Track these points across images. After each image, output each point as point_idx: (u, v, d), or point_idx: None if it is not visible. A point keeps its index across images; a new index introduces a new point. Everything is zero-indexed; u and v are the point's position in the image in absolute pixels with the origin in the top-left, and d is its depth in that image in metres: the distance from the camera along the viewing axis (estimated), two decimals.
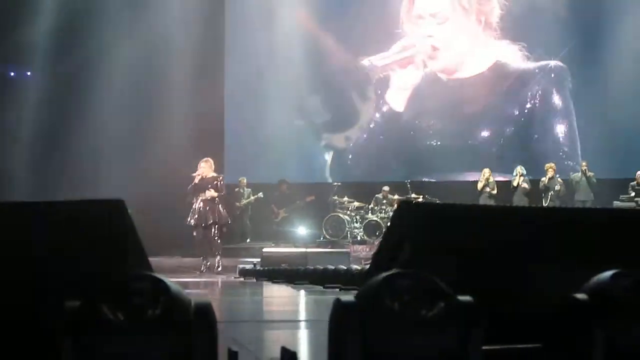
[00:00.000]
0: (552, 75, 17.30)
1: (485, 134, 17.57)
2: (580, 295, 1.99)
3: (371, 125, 18.05)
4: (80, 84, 16.20)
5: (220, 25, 18.00)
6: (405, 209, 2.32)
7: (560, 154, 17.00)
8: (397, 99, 17.88)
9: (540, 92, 17.32)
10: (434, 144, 17.63)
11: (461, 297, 1.89)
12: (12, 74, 17.10)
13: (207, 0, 17.49)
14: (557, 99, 17.37)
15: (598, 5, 17.24)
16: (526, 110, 17.38)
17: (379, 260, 2.32)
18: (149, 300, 1.90)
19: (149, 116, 16.24)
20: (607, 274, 1.99)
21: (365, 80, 18.08)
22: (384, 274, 1.92)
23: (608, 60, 16.66)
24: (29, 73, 16.99)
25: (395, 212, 2.21)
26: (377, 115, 18.05)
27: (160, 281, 1.99)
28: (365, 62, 17.91)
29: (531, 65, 17.39)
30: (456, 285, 1.90)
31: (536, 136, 17.31)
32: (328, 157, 18.20)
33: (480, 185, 15.34)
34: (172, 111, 16.16)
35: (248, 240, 16.56)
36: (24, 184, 14.76)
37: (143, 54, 16.00)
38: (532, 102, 17.38)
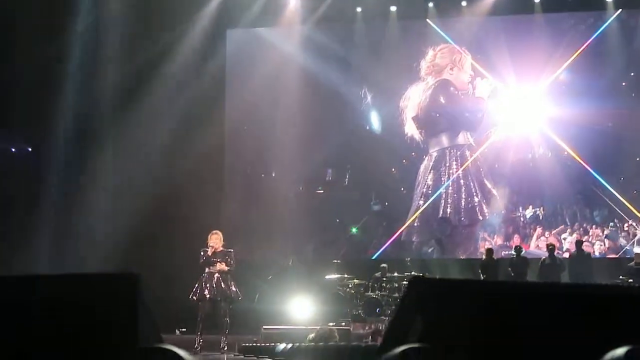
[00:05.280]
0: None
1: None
2: None
3: (386, 204, 18.01)
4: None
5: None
6: (417, 283, 2.33)
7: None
8: None
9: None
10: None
11: None
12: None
13: None
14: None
15: None
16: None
17: (392, 334, 2.32)
18: None
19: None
20: (621, 350, 1.99)
21: None
22: (400, 349, 1.92)
23: None
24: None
25: (407, 287, 2.22)
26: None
27: (175, 354, 1.98)
28: None
29: None
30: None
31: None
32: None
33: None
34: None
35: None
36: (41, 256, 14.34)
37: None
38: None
